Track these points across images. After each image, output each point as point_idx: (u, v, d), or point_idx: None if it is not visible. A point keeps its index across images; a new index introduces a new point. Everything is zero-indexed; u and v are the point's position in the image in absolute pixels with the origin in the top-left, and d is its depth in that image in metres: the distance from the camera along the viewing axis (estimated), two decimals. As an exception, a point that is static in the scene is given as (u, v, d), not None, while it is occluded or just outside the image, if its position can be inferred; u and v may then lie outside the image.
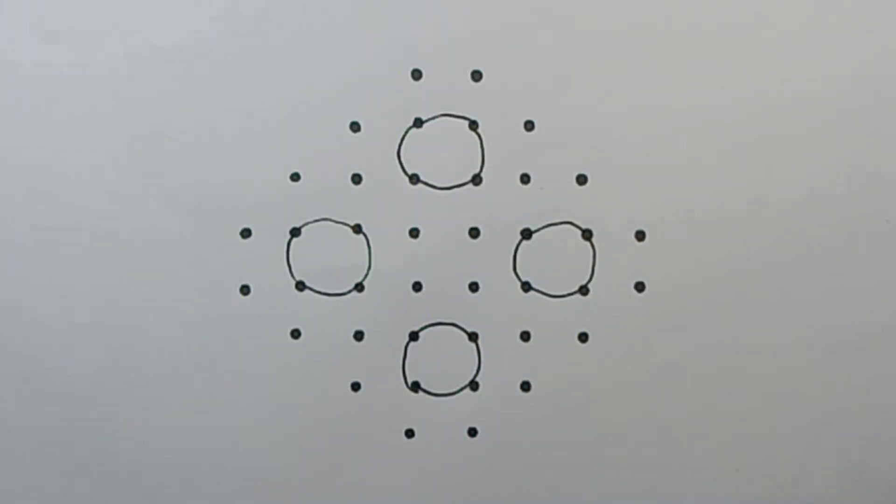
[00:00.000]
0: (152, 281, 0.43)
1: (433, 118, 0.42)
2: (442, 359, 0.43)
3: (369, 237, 0.43)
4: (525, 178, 0.42)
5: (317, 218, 0.43)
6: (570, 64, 0.42)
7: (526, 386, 0.43)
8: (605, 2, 0.41)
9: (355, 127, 0.42)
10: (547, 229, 0.43)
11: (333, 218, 0.43)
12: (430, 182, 0.42)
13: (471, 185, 0.42)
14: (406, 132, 0.42)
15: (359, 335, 0.43)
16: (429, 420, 0.43)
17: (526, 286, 0.43)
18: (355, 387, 0.43)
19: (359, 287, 0.43)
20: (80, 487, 0.44)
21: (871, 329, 0.42)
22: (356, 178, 0.42)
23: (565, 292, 0.43)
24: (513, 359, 0.43)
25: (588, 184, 0.42)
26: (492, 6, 0.41)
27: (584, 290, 0.43)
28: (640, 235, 0.42)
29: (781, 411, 0.43)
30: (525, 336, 0.43)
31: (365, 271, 0.43)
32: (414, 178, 0.42)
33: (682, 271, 0.42)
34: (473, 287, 0.43)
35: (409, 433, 0.44)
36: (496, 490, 0.44)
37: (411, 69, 0.42)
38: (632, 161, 0.42)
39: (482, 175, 0.42)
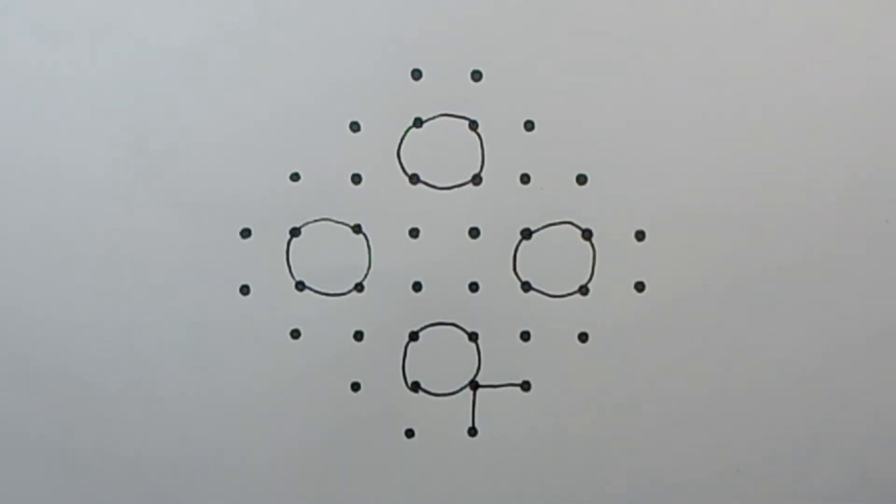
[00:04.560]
0: (152, 281, 0.43)
1: (433, 118, 0.42)
2: (442, 359, 0.43)
3: (369, 237, 0.43)
4: (525, 178, 0.42)
5: (317, 218, 0.43)
6: (570, 64, 0.42)
7: (526, 386, 0.43)
8: (606, 2, 0.41)
9: (355, 127, 0.42)
10: (547, 229, 0.43)
11: (333, 218, 0.43)
12: (430, 182, 0.42)
13: (471, 185, 0.42)
14: (406, 132, 0.42)
15: (359, 335, 0.43)
16: (429, 420, 0.43)
17: (526, 286, 0.43)
18: (355, 387, 0.43)
19: (359, 287, 0.43)
20: (80, 487, 0.44)
21: (871, 329, 0.42)
22: (356, 178, 0.42)
23: (565, 292, 0.43)
24: (513, 359, 0.43)
25: (588, 184, 0.42)
26: (492, 6, 0.41)
27: (584, 290, 0.43)
28: (640, 235, 0.42)
29: (781, 411, 0.43)
30: (525, 336, 0.43)
31: (365, 271, 0.43)
32: (414, 178, 0.42)
33: (682, 271, 0.42)
34: (473, 287, 0.43)
35: (409, 433, 0.44)
36: (496, 490, 0.44)
37: (411, 69, 0.42)
38: (632, 161, 0.42)
39: (482, 175, 0.42)
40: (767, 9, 0.41)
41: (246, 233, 0.43)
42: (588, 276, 0.43)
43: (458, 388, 0.43)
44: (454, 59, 0.42)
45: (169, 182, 0.42)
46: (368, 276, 0.43)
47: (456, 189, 0.43)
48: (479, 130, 0.42)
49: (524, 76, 0.42)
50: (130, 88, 0.42)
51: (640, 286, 0.42)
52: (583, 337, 0.43)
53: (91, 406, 0.43)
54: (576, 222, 0.43)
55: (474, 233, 0.43)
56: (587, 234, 0.43)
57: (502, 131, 0.42)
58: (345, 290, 0.43)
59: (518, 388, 0.43)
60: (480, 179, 0.42)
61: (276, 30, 0.42)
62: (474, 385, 0.43)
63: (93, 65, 0.42)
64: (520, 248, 0.43)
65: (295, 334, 0.43)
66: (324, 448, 0.44)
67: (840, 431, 0.43)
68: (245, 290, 0.43)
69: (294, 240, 0.43)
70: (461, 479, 0.44)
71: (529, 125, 0.42)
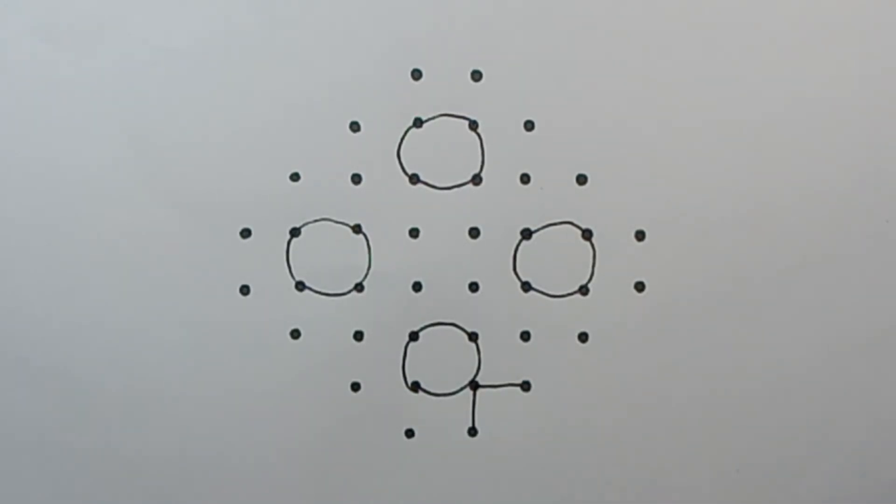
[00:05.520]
0: (152, 281, 0.43)
1: (433, 118, 0.42)
2: (442, 359, 0.43)
3: (369, 237, 0.43)
4: (525, 178, 0.42)
5: (317, 218, 0.43)
6: (570, 64, 0.42)
7: (526, 386, 0.43)
8: (605, 2, 0.41)
9: (355, 127, 0.42)
10: (547, 229, 0.43)
11: (333, 218, 0.43)
12: (430, 182, 0.42)
13: (471, 185, 0.42)
14: (406, 132, 0.42)
15: (358, 335, 0.43)
16: (429, 420, 0.43)
17: (526, 286, 0.43)
18: (355, 387, 0.43)
19: (358, 287, 0.43)
20: (80, 487, 0.44)
21: (871, 329, 0.42)
22: (356, 178, 0.42)
23: (565, 292, 0.43)
24: (513, 359, 0.43)
25: (588, 184, 0.42)
26: (492, 6, 0.41)
27: (584, 290, 0.43)
28: (640, 235, 0.42)
29: (781, 411, 0.43)
30: (525, 336, 0.43)
31: (365, 271, 0.43)
32: (414, 178, 0.42)
33: (682, 271, 0.42)
34: (473, 287, 0.43)
35: (409, 433, 0.44)
36: (496, 490, 0.44)
37: (411, 69, 0.42)
38: (632, 161, 0.42)
39: (482, 175, 0.42)
40: (767, 9, 0.41)
41: (246, 233, 0.43)
42: (588, 276, 0.43)
43: (458, 388, 0.43)
44: (454, 59, 0.42)
45: (169, 182, 0.42)
46: (368, 276, 0.43)
47: (456, 189, 0.43)
48: (479, 130, 0.42)
49: (524, 76, 0.42)
50: (130, 88, 0.42)
51: (640, 286, 0.42)
52: (583, 337, 0.43)
53: (91, 406, 0.43)
54: (576, 222, 0.43)
55: (474, 233, 0.43)
56: (587, 234, 0.43)
57: (502, 131, 0.42)
58: (345, 290, 0.43)
59: (518, 388, 0.43)
60: (480, 179, 0.42)
61: (276, 30, 0.41)
62: (474, 385, 0.43)
63: (93, 65, 0.42)
64: (520, 248, 0.43)
65: (295, 334, 0.43)
66: (324, 448, 0.44)
67: (840, 431, 0.43)
68: (245, 290, 0.43)
69: (294, 240, 0.43)
70: (461, 479, 0.44)
71: (529, 125, 0.42)
